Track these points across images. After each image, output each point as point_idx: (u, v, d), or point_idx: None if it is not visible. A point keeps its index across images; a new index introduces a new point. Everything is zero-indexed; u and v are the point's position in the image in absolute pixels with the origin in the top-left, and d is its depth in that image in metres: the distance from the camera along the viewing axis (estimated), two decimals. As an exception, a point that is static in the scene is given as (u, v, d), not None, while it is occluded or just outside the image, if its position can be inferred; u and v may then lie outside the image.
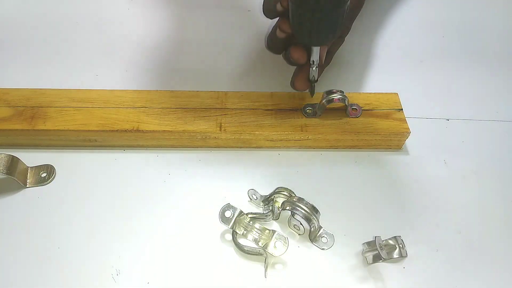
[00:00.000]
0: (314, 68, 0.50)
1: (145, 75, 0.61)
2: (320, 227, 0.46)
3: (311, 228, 0.45)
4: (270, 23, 0.57)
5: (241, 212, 0.44)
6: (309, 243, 0.46)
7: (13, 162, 0.48)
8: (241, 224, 0.44)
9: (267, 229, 0.44)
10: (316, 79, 0.51)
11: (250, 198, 0.48)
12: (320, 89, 0.51)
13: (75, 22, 0.68)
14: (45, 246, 0.45)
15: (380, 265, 0.44)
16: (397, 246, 0.44)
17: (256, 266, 0.44)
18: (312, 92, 0.53)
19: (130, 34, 0.67)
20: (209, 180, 0.51)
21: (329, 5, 0.41)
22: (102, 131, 0.51)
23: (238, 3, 0.73)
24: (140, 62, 0.63)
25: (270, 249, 0.43)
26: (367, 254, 0.44)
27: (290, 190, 0.47)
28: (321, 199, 0.48)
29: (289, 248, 0.43)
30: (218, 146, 0.53)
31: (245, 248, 0.45)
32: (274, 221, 0.48)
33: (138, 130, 0.51)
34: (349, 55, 0.65)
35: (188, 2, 0.73)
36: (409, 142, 0.54)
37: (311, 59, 0.49)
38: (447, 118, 0.57)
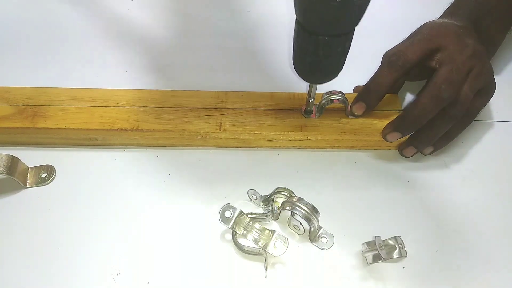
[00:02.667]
0: (311, 101, 0.51)
1: (145, 74, 0.61)
2: (320, 227, 0.46)
3: (311, 228, 0.45)
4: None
5: (241, 212, 0.44)
6: (309, 243, 0.46)
7: (13, 162, 0.48)
8: (241, 224, 0.44)
9: (267, 229, 0.44)
10: (311, 110, 0.52)
11: (250, 198, 0.48)
12: (321, 89, 0.52)
13: (75, 22, 0.68)
14: (45, 246, 0.45)
15: (380, 265, 0.44)
16: (397, 246, 0.44)
17: (256, 266, 0.44)
18: (308, 112, 0.53)
19: (130, 34, 0.67)
20: (209, 180, 0.51)
21: (333, 52, 0.42)
22: (103, 129, 0.51)
23: (238, 3, 0.73)
24: (140, 62, 0.63)
25: (270, 249, 0.43)
26: (367, 254, 0.44)
27: (290, 190, 0.47)
28: (321, 199, 0.48)
29: (289, 248, 0.43)
30: (218, 146, 0.53)
31: (245, 248, 0.45)
32: (274, 221, 0.48)
33: (138, 129, 0.51)
34: (349, 57, 0.65)
35: (188, 2, 0.73)
36: (409, 142, 0.53)
37: (310, 93, 0.50)
38: (447, 118, 0.57)
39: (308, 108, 0.52)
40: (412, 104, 0.50)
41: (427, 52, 0.49)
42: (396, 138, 0.51)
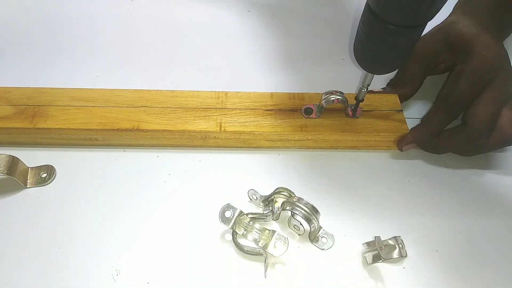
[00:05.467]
0: (363, 91, 0.50)
1: (145, 74, 0.61)
2: (320, 227, 0.46)
3: (311, 229, 0.45)
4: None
5: (241, 212, 0.44)
6: (309, 243, 0.46)
7: (13, 163, 0.48)
8: (241, 224, 0.44)
9: (267, 229, 0.44)
10: (362, 100, 0.52)
11: (250, 198, 0.48)
12: (322, 89, 0.52)
13: (75, 22, 0.69)
14: (45, 246, 0.45)
15: (380, 265, 0.45)
16: (397, 246, 0.44)
17: (256, 266, 0.44)
18: (355, 110, 0.53)
19: (130, 34, 0.67)
20: (209, 180, 0.51)
21: (403, 43, 0.42)
22: (103, 130, 0.51)
23: (238, 3, 0.73)
24: (140, 62, 0.63)
25: (270, 249, 0.43)
26: (367, 254, 0.45)
27: (290, 190, 0.47)
28: (321, 199, 0.49)
29: (289, 248, 0.43)
30: (218, 146, 0.53)
31: (245, 248, 0.45)
32: (274, 221, 0.48)
33: (138, 129, 0.51)
34: (350, 56, 0.65)
35: (187, 2, 0.73)
36: (409, 142, 0.53)
37: (365, 83, 0.49)
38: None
39: (359, 98, 0.51)
40: (430, 117, 0.51)
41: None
42: (412, 148, 0.52)
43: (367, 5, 0.41)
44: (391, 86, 0.57)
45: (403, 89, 0.55)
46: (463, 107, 0.49)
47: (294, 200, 0.45)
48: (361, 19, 0.42)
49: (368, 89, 0.50)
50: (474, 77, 0.48)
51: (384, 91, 0.56)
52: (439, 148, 0.52)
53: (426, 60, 0.54)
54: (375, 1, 0.39)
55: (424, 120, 0.51)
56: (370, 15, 0.40)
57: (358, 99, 0.51)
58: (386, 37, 0.41)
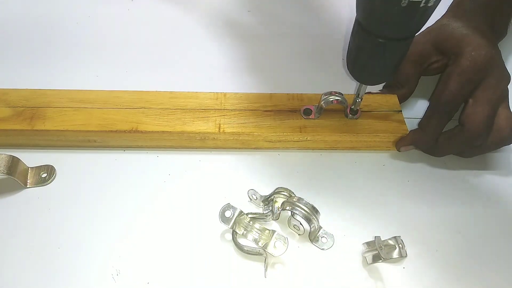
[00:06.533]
0: (358, 101, 0.51)
1: (144, 75, 0.61)
2: (320, 227, 0.46)
3: (311, 228, 0.45)
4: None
5: (241, 212, 0.44)
6: (309, 243, 0.46)
7: (13, 163, 0.48)
8: (241, 224, 0.44)
9: (267, 229, 0.44)
10: (357, 110, 0.52)
11: (250, 198, 0.48)
12: (322, 90, 0.52)
13: (75, 23, 0.69)
14: (45, 246, 0.45)
15: (380, 265, 0.45)
16: (397, 246, 0.44)
17: (256, 266, 0.44)
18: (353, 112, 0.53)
19: (130, 34, 0.67)
20: (209, 180, 0.51)
21: (390, 56, 0.43)
22: (101, 131, 0.51)
23: (238, 3, 0.73)
24: (140, 62, 0.63)
25: (270, 249, 0.43)
26: (367, 254, 0.45)
27: (290, 190, 0.47)
28: (321, 199, 0.49)
29: (289, 248, 0.43)
30: (217, 147, 0.53)
31: (245, 248, 0.45)
32: (274, 221, 0.48)
33: (137, 131, 0.51)
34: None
35: (187, 3, 0.73)
36: (408, 143, 0.54)
37: (358, 93, 0.50)
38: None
39: (354, 108, 0.52)
40: (426, 122, 0.51)
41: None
42: (409, 149, 0.53)
43: (356, 19, 0.41)
44: (388, 88, 0.57)
45: (400, 90, 0.56)
46: (456, 108, 0.50)
47: (294, 200, 0.45)
48: (351, 32, 0.43)
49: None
50: (463, 77, 0.49)
51: (381, 92, 0.57)
52: (439, 152, 0.52)
53: (417, 61, 0.55)
54: (363, 15, 0.40)
55: (421, 125, 0.52)
56: (359, 29, 0.41)
57: (353, 109, 0.52)
58: (376, 50, 0.42)
